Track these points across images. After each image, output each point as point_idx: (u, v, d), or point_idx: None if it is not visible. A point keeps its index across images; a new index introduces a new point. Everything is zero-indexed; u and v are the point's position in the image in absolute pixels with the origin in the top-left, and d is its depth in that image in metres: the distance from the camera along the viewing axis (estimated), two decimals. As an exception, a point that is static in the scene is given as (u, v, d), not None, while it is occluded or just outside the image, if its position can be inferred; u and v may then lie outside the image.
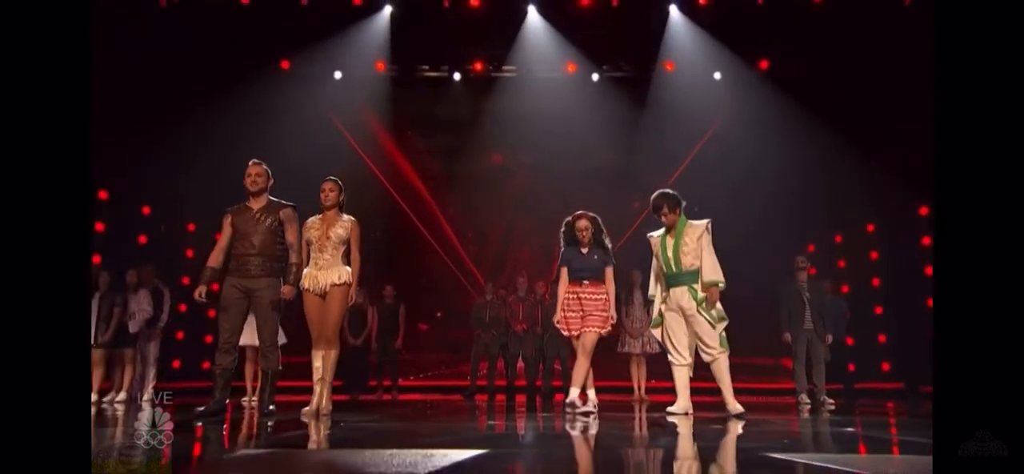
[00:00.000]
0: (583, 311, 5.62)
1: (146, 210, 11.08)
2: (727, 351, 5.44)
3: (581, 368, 5.61)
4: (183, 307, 10.13)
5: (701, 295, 5.38)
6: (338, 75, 11.55)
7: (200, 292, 5.18)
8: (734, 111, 11.51)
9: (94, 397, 7.55)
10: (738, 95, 11.54)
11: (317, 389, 5.30)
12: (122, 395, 7.82)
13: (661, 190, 5.62)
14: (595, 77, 11.77)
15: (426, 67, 11.71)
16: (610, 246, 5.86)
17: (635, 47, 11.53)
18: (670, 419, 5.16)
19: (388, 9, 11.07)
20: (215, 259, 5.24)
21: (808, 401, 7.49)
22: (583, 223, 5.73)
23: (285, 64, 11.45)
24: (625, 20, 11.25)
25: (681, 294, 5.43)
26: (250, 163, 5.36)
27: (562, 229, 5.90)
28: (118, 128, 9.76)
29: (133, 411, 6.51)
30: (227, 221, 5.29)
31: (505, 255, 12.38)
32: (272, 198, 5.36)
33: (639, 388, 8.59)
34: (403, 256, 11.65)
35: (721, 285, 5.39)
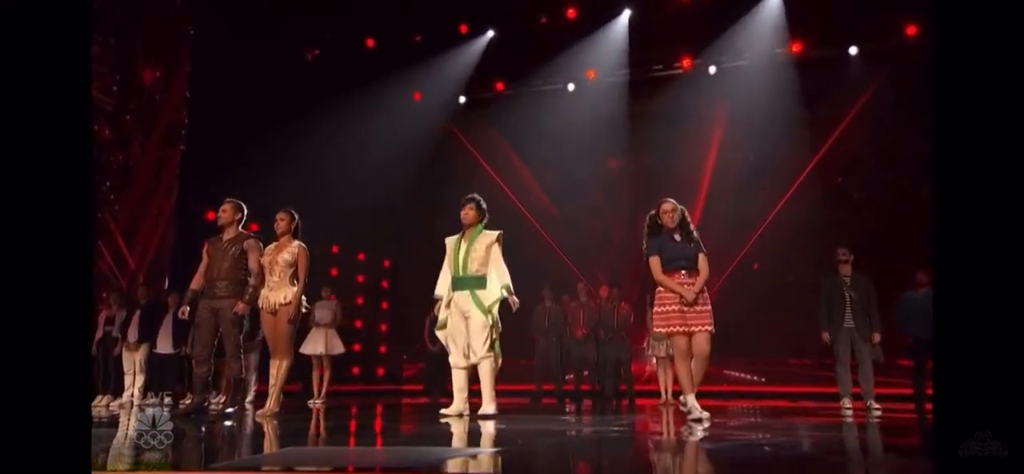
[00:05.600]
0: None
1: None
2: (496, 357, 5.49)
3: None
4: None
5: (485, 302, 5.47)
6: (462, 100, 12.27)
7: (183, 311, 6.09)
8: (877, 87, 10.12)
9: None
10: (881, 69, 10.11)
11: (271, 393, 6.00)
12: (223, 397, 9.15)
13: (472, 195, 5.81)
14: (712, 70, 11.05)
15: (540, 81, 11.90)
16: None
17: (750, 34, 10.63)
18: (443, 420, 5.16)
19: (490, 32, 11.53)
20: (196, 282, 6.08)
21: (849, 407, 6.64)
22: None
23: (417, 96, 12.41)
24: (732, 7, 10.48)
25: (463, 298, 5.56)
26: (224, 201, 6.14)
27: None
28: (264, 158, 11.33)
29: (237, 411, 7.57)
30: (205, 250, 6.13)
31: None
32: (241, 230, 6.09)
33: (666, 391, 8.42)
34: (523, 261, 11.83)
35: (506, 294, 5.48)
